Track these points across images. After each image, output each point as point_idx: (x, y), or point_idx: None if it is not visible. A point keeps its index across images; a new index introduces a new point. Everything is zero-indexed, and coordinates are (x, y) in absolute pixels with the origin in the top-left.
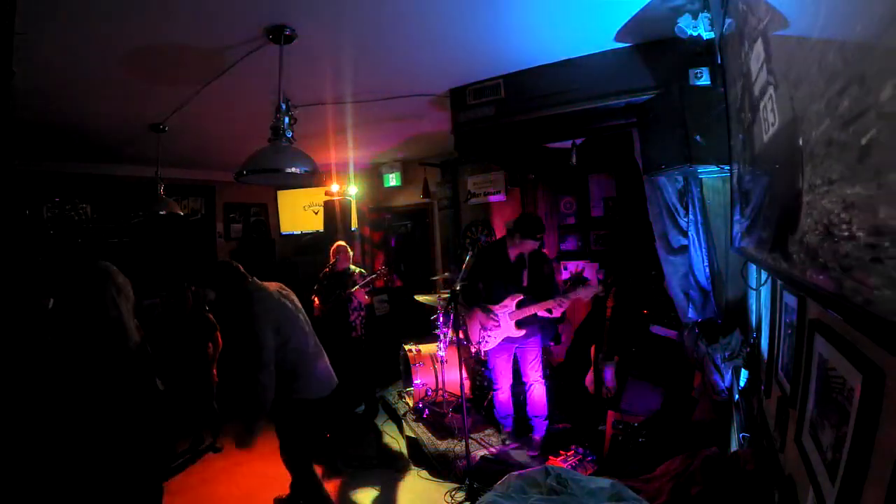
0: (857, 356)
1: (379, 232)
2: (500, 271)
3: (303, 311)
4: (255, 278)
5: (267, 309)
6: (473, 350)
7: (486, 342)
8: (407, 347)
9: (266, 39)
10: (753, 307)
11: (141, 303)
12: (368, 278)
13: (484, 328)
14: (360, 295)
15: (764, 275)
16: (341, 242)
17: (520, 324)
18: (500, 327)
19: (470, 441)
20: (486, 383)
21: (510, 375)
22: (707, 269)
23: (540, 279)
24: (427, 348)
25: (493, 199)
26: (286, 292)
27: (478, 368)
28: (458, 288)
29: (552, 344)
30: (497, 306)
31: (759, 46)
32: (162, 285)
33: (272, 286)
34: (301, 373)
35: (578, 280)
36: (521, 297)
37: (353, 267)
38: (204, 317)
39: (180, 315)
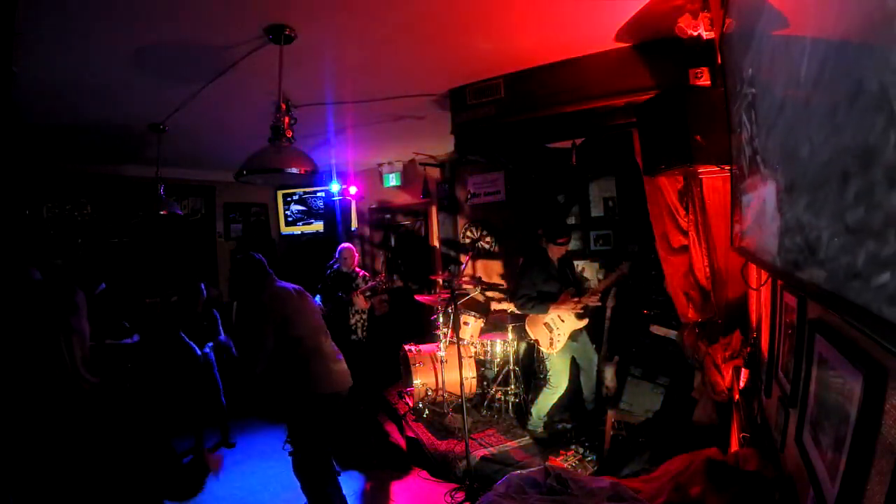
0: (859, 355)
1: (379, 232)
2: (549, 275)
3: (319, 314)
4: (274, 276)
5: (275, 307)
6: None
7: (558, 342)
8: (407, 347)
9: (266, 39)
10: (753, 307)
11: (143, 301)
12: (369, 285)
13: (551, 329)
14: (359, 300)
15: (764, 275)
16: (347, 245)
17: (580, 316)
18: (566, 322)
19: (470, 441)
20: (485, 384)
21: (567, 377)
22: (707, 269)
23: (574, 275)
24: (427, 348)
25: (492, 199)
26: (303, 294)
27: (480, 370)
28: (522, 301)
29: None
30: (559, 302)
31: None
32: (174, 284)
33: (289, 287)
34: (314, 369)
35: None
36: (574, 290)
37: (357, 270)
38: (211, 314)
39: (191, 313)
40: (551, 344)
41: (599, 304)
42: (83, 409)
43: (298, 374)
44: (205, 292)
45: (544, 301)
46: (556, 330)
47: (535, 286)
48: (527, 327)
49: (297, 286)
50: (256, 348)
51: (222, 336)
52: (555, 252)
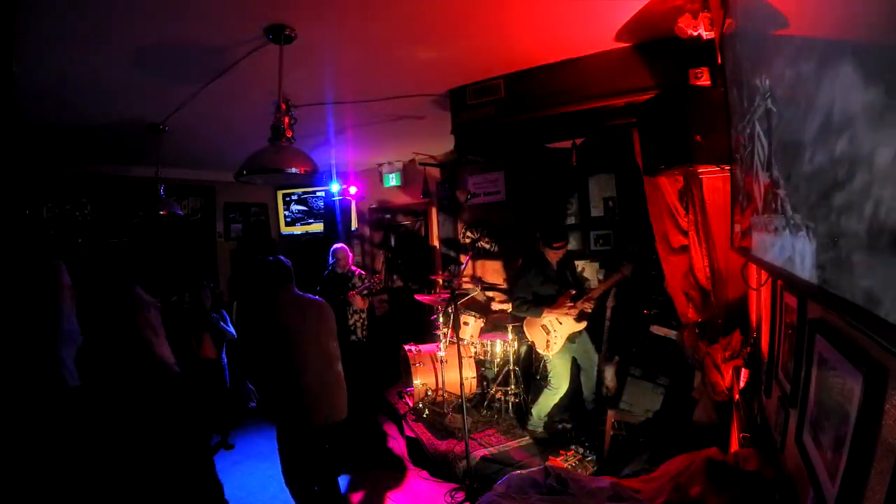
0: (859, 355)
1: (379, 232)
2: (547, 277)
3: (330, 335)
4: (292, 288)
5: (260, 326)
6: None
7: (554, 345)
8: (407, 347)
9: (266, 39)
10: (753, 307)
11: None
12: (366, 285)
13: (548, 332)
14: (356, 300)
15: (764, 275)
16: (340, 245)
17: (578, 318)
18: (563, 324)
19: (470, 441)
20: (485, 384)
21: (568, 378)
22: (707, 269)
23: (574, 277)
24: (427, 348)
25: (492, 199)
26: (318, 310)
27: (480, 370)
28: (517, 304)
29: None
30: (555, 305)
31: None
32: (175, 284)
33: (301, 303)
34: (307, 397)
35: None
36: (574, 292)
37: (353, 269)
38: (219, 313)
39: (199, 314)
40: (547, 346)
41: (590, 311)
42: (175, 395)
43: (294, 398)
44: (210, 291)
45: (539, 304)
46: (554, 332)
47: (531, 288)
48: (524, 328)
49: (317, 298)
50: (252, 362)
51: (231, 331)
52: (552, 255)
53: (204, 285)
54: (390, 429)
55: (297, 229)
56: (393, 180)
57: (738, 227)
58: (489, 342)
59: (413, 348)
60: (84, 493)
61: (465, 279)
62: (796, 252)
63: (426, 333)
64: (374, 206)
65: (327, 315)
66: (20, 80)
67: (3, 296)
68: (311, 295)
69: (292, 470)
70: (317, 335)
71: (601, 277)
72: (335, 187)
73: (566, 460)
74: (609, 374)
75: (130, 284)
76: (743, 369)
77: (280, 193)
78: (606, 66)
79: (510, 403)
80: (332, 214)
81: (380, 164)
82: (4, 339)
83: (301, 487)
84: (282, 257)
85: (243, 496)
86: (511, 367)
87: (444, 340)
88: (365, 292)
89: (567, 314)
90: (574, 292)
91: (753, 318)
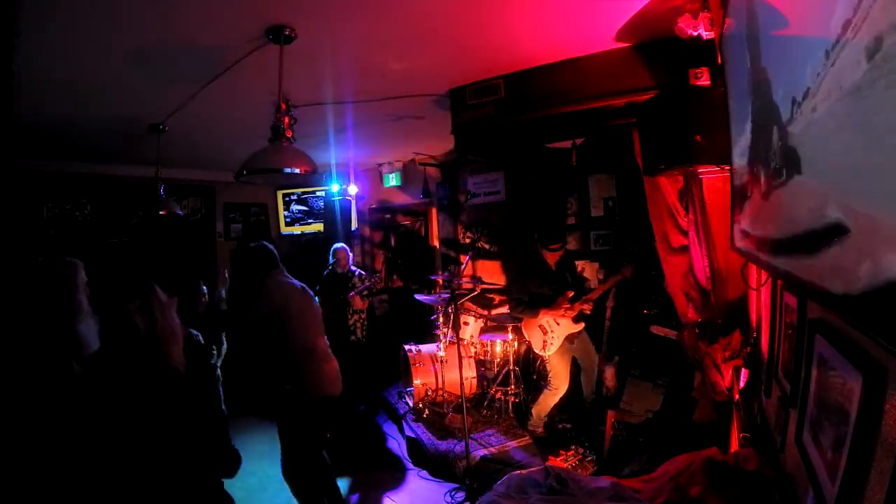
0: (859, 355)
1: (379, 232)
2: (545, 278)
3: (321, 316)
4: (283, 270)
5: (274, 299)
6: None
7: (551, 345)
8: (407, 347)
9: (266, 39)
10: (753, 307)
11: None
12: (365, 285)
13: (545, 332)
14: (356, 300)
15: (764, 275)
16: (340, 245)
17: (576, 319)
18: (560, 325)
19: (470, 441)
20: (485, 384)
21: (568, 378)
22: (707, 269)
23: (574, 277)
24: (427, 348)
25: (493, 199)
26: (308, 294)
27: (480, 370)
28: (512, 305)
29: None
30: (552, 306)
31: None
32: (177, 283)
33: (296, 284)
34: (309, 370)
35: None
36: (573, 293)
37: (353, 269)
38: (216, 315)
39: (192, 314)
40: (544, 347)
41: (589, 312)
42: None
43: (292, 375)
44: (205, 292)
45: (535, 306)
46: (551, 333)
47: (528, 289)
48: (522, 328)
49: (303, 284)
50: (248, 344)
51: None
52: (550, 256)
53: (198, 285)
54: (390, 429)
55: (297, 229)
56: (393, 180)
57: (737, 227)
58: (489, 342)
59: (413, 348)
60: (98, 492)
61: (464, 279)
62: None
63: (426, 333)
64: (374, 206)
65: (315, 303)
66: (20, 80)
67: (18, 291)
68: (297, 281)
69: (292, 460)
70: (312, 313)
71: (601, 277)
72: (335, 187)
73: (566, 460)
74: (609, 374)
75: (149, 284)
76: (743, 369)
77: (280, 193)
78: (606, 66)
79: (510, 403)
80: (332, 214)
81: (380, 164)
82: (18, 335)
83: (302, 480)
84: (265, 243)
85: (243, 496)
86: (511, 367)
87: (444, 340)
88: (365, 292)
89: (563, 316)
90: (572, 294)
91: (753, 318)
